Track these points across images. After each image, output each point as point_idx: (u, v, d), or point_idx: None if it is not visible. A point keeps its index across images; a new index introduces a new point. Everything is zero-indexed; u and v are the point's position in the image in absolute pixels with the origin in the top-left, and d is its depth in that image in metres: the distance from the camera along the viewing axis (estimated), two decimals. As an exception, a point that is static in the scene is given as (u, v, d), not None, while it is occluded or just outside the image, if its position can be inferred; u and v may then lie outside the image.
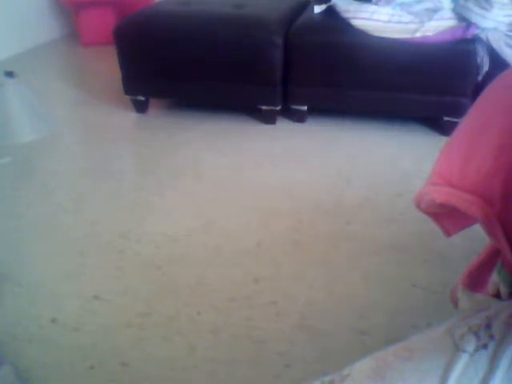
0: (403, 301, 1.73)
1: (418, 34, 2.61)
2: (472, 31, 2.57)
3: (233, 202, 2.28)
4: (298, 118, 2.98)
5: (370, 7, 2.72)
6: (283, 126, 2.98)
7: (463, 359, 0.72)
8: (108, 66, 3.50)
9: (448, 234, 1.05)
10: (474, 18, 2.55)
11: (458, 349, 0.74)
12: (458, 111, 2.62)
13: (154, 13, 3.06)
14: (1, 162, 2.62)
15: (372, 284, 1.81)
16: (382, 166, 2.55)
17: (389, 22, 2.67)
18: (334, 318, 1.67)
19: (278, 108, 2.93)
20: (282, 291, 1.78)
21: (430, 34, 2.60)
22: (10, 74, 2.91)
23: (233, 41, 2.79)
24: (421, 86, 2.70)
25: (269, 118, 2.98)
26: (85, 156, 2.85)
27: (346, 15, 2.72)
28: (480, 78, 2.60)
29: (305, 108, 2.93)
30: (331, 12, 2.80)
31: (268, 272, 1.87)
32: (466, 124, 0.95)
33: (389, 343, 0.88)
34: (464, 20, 2.59)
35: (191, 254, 1.97)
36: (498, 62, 2.52)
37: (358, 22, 2.69)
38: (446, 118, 2.74)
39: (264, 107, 2.93)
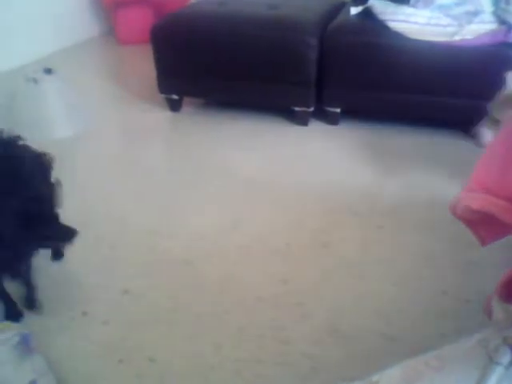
0: (432, 308, 1.70)
1: (456, 38, 2.56)
2: (513, 35, 2.51)
3: (263, 202, 2.29)
4: (331, 120, 2.96)
5: (408, 9, 2.68)
6: (315, 128, 2.96)
7: (497, 372, 0.71)
8: (144, 64, 3.55)
9: (483, 242, 1.03)
10: (516, 22, 2.49)
11: (491, 361, 0.72)
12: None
13: (190, 13, 3.09)
14: (38, 157, 2.68)
15: (401, 289, 1.78)
16: (416, 171, 2.51)
17: (427, 24, 2.62)
18: (361, 322, 1.66)
19: (311, 109, 2.92)
20: (310, 293, 1.78)
21: (469, 37, 2.55)
22: (48, 71, 2.98)
23: (267, 41, 2.79)
24: (458, 91, 2.64)
25: (301, 120, 2.97)
26: (118, 153, 2.89)
27: (382, 17, 2.69)
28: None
29: (338, 110, 2.91)
30: (368, 14, 2.77)
31: (296, 273, 1.87)
32: (507, 132, 0.93)
33: (416, 350, 0.87)
34: (505, 23, 2.53)
35: (220, 251, 1.99)
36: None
37: (394, 25, 2.65)
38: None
39: (297, 108, 2.93)
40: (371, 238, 2.04)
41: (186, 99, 3.21)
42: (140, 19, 4.35)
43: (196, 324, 1.66)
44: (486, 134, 1.92)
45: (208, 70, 2.94)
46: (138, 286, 1.82)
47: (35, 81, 2.88)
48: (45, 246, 1.68)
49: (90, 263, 1.94)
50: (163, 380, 1.48)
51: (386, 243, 2.01)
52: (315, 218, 2.17)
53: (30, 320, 1.67)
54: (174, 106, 3.17)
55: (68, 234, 1.53)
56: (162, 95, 3.14)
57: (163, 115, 3.17)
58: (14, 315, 1.68)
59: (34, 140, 2.81)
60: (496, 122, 1.88)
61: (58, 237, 1.55)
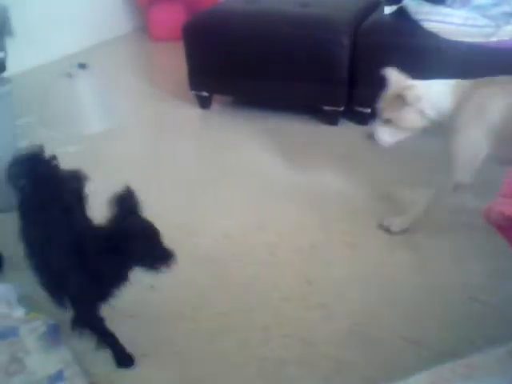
0: (459, 314, 1.67)
1: (493, 39, 2.50)
2: (552, 36, 2.44)
3: (289, 202, 2.27)
4: (361, 120, 2.93)
5: (444, 9, 2.63)
6: (345, 128, 2.93)
7: (527, 384, 0.69)
8: (175, 61, 3.57)
9: (516, 249, 1.01)
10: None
11: (522, 372, 0.70)
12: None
13: (222, 10, 3.10)
14: (70, 150, 2.73)
15: (428, 294, 1.75)
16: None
17: (463, 25, 2.57)
18: (386, 325, 1.64)
19: (341, 109, 2.89)
20: (335, 294, 1.76)
21: (506, 38, 2.49)
22: (82, 66, 3.02)
23: (298, 40, 2.78)
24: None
25: (331, 119, 2.94)
26: (148, 148, 2.92)
27: (417, 17, 2.65)
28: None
29: (368, 110, 2.88)
30: (402, 13, 2.73)
31: (321, 274, 1.86)
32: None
33: (442, 356, 0.86)
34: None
35: (246, 250, 1.99)
36: None
37: (430, 25, 2.60)
38: None
39: (327, 107, 2.90)
40: (398, 240, 2.01)
41: (216, 96, 3.22)
42: (172, 16, 4.38)
43: (221, 322, 1.67)
44: (382, 133, 1.94)
45: (238, 68, 2.95)
46: (165, 283, 1.82)
47: (70, 75, 2.93)
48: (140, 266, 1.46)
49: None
50: (186, 376, 1.49)
51: (413, 246, 1.98)
52: (341, 219, 2.15)
53: (57, 311, 1.69)
54: (204, 103, 3.18)
55: (164, 256, 1.41)
56: (193, 92, 3.16)
57: (193, 112, 3.18)
58: (125, 361, 1.53)
59: (66, 133, 2.90)
60: (388, 121, 1.92)
61: (151, 260, 1.41)
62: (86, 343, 1.54)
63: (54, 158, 1.66)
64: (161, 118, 3.19)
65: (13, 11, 2.30)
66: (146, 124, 3.23)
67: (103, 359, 1.54)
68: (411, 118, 1.88)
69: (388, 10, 2.80)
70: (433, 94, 1.87)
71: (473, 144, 1.86)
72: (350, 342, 1.58)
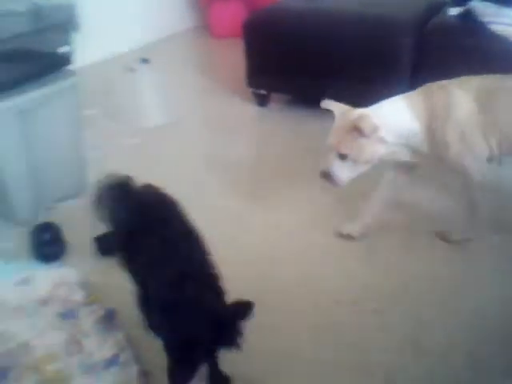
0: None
1: None
2: None
3: (344, 202, 2.25)
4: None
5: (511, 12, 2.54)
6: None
7: None
8: (234, 58, 3.60)
9: None
10: None
11: None
12: None
13: (283, 9, 3.10)
14: (131, 142, 2.81)
15: (495, 309, 1.67)
16: None
17: (532, 28, 2.47)
18: (446, 337, 1.58)
19: (402, 111, 2.83)
20: (391, 301, 1.73)
21: None
22: (145, 61, 3.10)
23: (359, 40, 2.75)
24: None
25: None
26: (203, 144, 2.96)
27: (484, 19, 2.56)
28: None
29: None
30: (468, 15, 2.65)
31: (377, 279, 1.82)
32: None
33: (504, 375, 0.82)
34: None
35: (299, 249, 1.99)
36: None
37: (497, 27, 2.52)
38: None
39: (386, 109, 2.85)
40: (456, 250, 1.94)
41: (274, 95, 3.22)
42: (233, 14, 4.42)
43: (270, 319, 1.66)
44: (339, 170, 1.75)
45: (298, 67, 2.94)
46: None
47: (132, 70, 3.01)
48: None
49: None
50: (233, 375, 1.48)
51: (475, 255, 1.92)
52: (402, 223, 2.11)
53: (115, 296, 1.74)
54: (262, 101, 3.20)
55: (242, 309, 1.24)
56: (251, 90, 3.18)
57: (250, 109, 3.20)
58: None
59: (127, 125, 2.98)
60: (344, 157, 1.72)
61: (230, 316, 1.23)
62: (139, 330, 1.59)
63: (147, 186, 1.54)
64: (218, 115, 3.23)
65: (80, 7, 2.38)
66: (204, 119, 3.27)
67: (157, 346, 1.57)
68: (371, 150, 1.71)
69: (453, 11, 2.73)
70: (389, 117, 1.73)
71: (471, 140, 1.77)
72: (404, 351, 1.54)
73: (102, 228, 2.03)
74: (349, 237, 2.00)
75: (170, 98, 3.15)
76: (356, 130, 1.67)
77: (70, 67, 2.24)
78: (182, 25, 4.79)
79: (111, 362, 1.48)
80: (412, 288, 1.78)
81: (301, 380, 1.48)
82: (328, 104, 1.84)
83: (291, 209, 2.24)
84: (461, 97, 1.76)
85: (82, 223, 2.16)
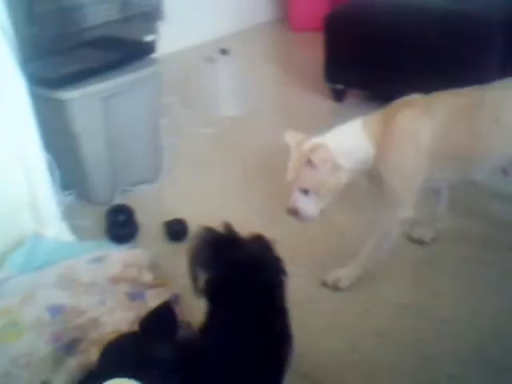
0: None
1: None
2: None
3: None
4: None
5: None
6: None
7: None
8: (313, 52, 3.57)
9: None
10: None
11: None
12: None
13: (367, 3, 3.02)
14: (206, 131, 2.87)
15: None
16: None
17: None
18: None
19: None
20: (462, 310, 1.66)
21: None
22: (224, 52, 3.14)
23: (445, 38, 2.63)
24: None
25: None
26: (277, 137, 2.95)
27: None
28: None
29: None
30: None
31: (448, 287, 1.76)
32: None
33: None
34: None
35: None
36: None
37: None
38: None
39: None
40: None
41: (351, 90, 3.17)
42: (314, 7, 4.37)
43: (334, 319, 1.65)
44: (305, 206, 1.62)
45: (379, 63, 2.86)
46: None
47: (212, 60, 3.06)
48: None
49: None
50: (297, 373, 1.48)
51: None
52: (477, 231, 2.01)
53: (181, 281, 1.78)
54: (338, 97, 3.15)
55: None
56: (327, 84, 3.14)
57: (325, 104, 3.17)
58: None
59: (203, 114, 3.04)
60: (306, 192, 1.61)
61: None
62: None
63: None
64: (293, 108, 3.22)
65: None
66: (278, 112, 3.27)
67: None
68: (330, 180, 1.60)
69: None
70: (345, 144, 1.61)
71: (410, 174, 1.63)
72: (471, 363, 1.47)
73: (172, 214, 2.10)
74: (420, 241, 1.93)
75: (247, 90, 3.17)
76: (310, 162, 1.57)
77: (154, 55, 2.31)
78: (262, 17, 4.80)
79: (174, 344, 1.52)
80: (485, 298, 1.70)
81: (358, 380, 1.46)
82: (285, 135, 1.72)
83: (356, 209, 2.18)
84: (421, 127, 1.59)
85: (154, 207, 2.24)
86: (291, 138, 1.70)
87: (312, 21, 4.22)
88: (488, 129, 1.61)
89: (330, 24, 2.98)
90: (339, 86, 3.11)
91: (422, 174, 1.63)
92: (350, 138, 1.64)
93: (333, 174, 1.60)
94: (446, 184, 1.82)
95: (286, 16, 4.79)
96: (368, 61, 2.90)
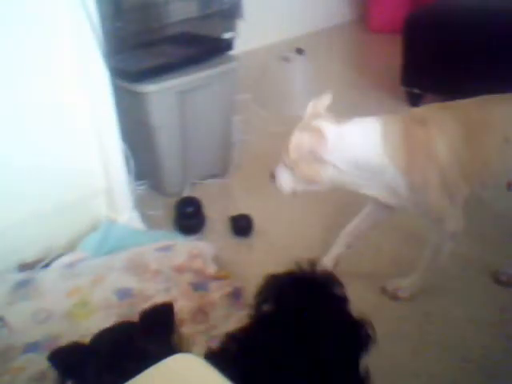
0: None
1: None
2: None
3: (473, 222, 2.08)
4: None
5: None
6: None
7: None
8: (389, 54, 3.49)
9: None
10: None
11: None
12: None
13: (450, 6, 2.92)
14: (277, 130, 2.88)
15: None
16: None
17: None
18: None
19: None
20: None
21: None
22: (299, 51, 3.14)
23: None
24: None
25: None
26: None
27: None
28: None
29: None
30: None
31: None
32: None
33: None
34: None
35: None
36: None
37: None
38: None
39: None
40: None
41: (427, 95, 3.07)
42: (394, 8, 4.28)
43: (396, 326, 1.62)
44: (282, 177, 1.53)
45: (460, 68, 2.76)
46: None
47: (287, 59, 3.07)
48: None
49: (305, 240, 2.02)
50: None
51: None
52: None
53: (245, 275, 1.80)
54: (414, 101, 3.06)
55: None
56: (403, 88, 3.06)
57: (400, 109, 3.07)
58: None
59: (276, 113, 3.05)
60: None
61: None
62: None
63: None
64: (366, 110, 3.08)
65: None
66: (350, 114, 3.20)
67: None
68: (307, 168, 1.47)
69: None
70: (349, 140, 1.46)
71: (436, 186, 1.48)
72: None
73: (238, 209, 2.13)
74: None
75: (320, 90, 3.15)
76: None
77: (231, 52, 2.35)
78: (339, 18, 4.76)
79: (232, 337, 1.55)
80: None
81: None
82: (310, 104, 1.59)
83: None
84: (444, 133, 1.48)
85: (222, 202, 2.28)
86: (310, 108, 1.60)
87: (390, 22, 4.14)
88: (498, 148, 1.52)
89: (411, 25, 2.90)
90: (416, 91, 3.02)
91: (463, 183, 1.53)
92: (360, 139, 1.49)
93: (313, 165, 1.47)
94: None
95: (364, 17, 4.72)
96: (448, 65, 2.80)
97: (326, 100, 1.62)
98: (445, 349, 1.53)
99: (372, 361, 1.47)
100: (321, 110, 1.57)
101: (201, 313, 1.61)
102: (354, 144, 1.48)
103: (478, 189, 1.63)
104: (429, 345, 1.55)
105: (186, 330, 1.54)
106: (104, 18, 1.85)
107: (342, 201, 2.10)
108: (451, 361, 1.49)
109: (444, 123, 1.51)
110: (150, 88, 2.02)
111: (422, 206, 1.53)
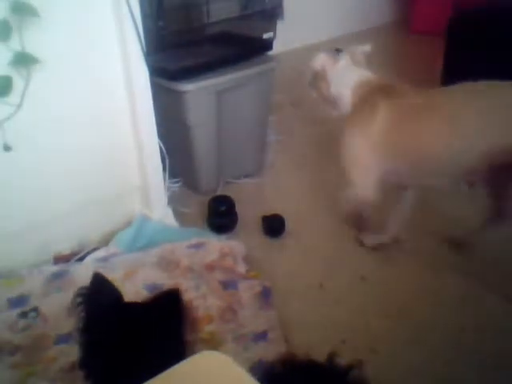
0: None
1: None
2: None
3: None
4: None
5: None
6: None
7: None
8: (430, 56, 3.42)
9: None
10: None
11: None
12: None
13: (499, 8, 2.83)
14: (311, 131, 2.87)
15: None
16: None
17: None
18: None
19: None
20: None
21: None
22: (338, 51, 3.10)
23: None
24: None
25: None
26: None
27: None
28: None
29: None
30: None
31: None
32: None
33: None
34: None
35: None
36: None
37: None
38: None
39: None
40: None
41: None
42: (436, 10, 4.20)
43: (423, 334, 1.59)
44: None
45: (504, 72, 2.68)
46: (376, 276, 1.82)
47: (325, 60, 3.04)
48: None
49: (336, 241, 2.01)
50: (380, 374, 1.45)
51: None
52: None
53: (273, 275, 1.81)
54: (454, 104, 3.00)
55: None
56: (444, 91, 2.99)
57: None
58: None
59: (311, 115, 3.03)
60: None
61: None
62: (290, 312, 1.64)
63: None
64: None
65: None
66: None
67: (302, 332, 1.60)
68: (322, 85, 1.83)
69: None
70: (338, 74, 1.78)
71: (358, 154, 1.70)
72: None
73: (271, 209, 2.13)
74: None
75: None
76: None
77: (270, 53, 2.35)
78: (380, 19, 4.69)
79: (260, 336, 1.55)
80: None
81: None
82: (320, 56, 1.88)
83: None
84: (382, 111, 1.63)
85: (255, 201, 2.29)
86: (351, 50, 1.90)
87: (432, 24, 4.07)
88: (437, 131, 1.58)
89: (453, 28, 2.83)
90: (457, 94, 2.95)
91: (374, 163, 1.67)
92: (342, 78, 1.78)
93: (323, 82, 1.82)
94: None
95: (406, 18, 4.64)
96: (489, 72, 2.72)
97: (365, 48, 1.95)
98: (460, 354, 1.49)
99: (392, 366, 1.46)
100: (359, 57, 1.87)
101: (229, 311, 1.62)
102: (339, 79, 1.79)
103: (423, 175, 1.68)
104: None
105: (214, 327, 1.56)
106: (146, 16, 1.88)
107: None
108: (468, 366, 1.46)
109: (394, 104, 1.64)
110: (189, 87, 2.04)
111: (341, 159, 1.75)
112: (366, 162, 1.69)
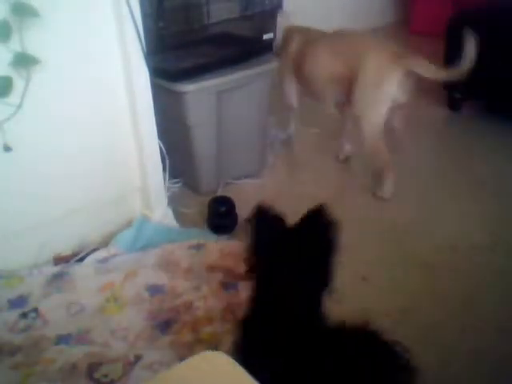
0: None
1: None
2: None
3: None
4: None
5: None
6: None
7: None
8: (431, 56, 3.41)
9: None
10: None
11: None
12: None
13: (496, 9, 2.84)
14: (312, 131, 2.87)
15: None
16: None
17: None
18: None
19: None
20: None
21: None
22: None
23: None
24: None
25: None
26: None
27: None
28: None
29: None
30: None
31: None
32: None
33: None
34: None
35: (469, 267, 1.85)
36: None
37: None
38: None
39: None
40: None
41: (468, 100, 3.00)
42: (436, 10, 4.20)
43: (424, 333, 1.59)
44: None
45: (503, 74, 2.68)
46: (377, 277, 1.82)
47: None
48: None
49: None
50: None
51: None
52: None
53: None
54: (454, 105, 3.00)
55: None
56: (445, 91, 3.00)
57: (440, 112, 3.03)
58: None
59: (310, 115, 3.03)
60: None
61: None
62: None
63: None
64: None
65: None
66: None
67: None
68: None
69: None
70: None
71: (283, 70, 2.48)
72: None
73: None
74: None
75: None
76: None
77: (270, 53, 2.35)
78: (381, 19, 4.68)
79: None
80: None
81: None
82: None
83: (465, 225, 2.09)
84: (294, 41, 2.43)
85: (254, 202, 2.27)
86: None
87: (432, 24, 4.07)
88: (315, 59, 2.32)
89: (452, 29, 2.83)
90: (457, 95, 2.95)
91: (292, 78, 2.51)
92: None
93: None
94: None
95: (405, 19, 4.65)
96: (490, 71, 2.72)
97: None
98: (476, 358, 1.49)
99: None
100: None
101: (229, 312, 1.62)
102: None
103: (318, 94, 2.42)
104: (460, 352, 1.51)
105: (214, 328, 1.55)
106: (146, 17, 1.87)
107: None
108: (482, 370, 1.45)
109: (302, 38, 2.42)
110: (189, 87, 2.04)
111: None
112: (288, 77, 2.49)
